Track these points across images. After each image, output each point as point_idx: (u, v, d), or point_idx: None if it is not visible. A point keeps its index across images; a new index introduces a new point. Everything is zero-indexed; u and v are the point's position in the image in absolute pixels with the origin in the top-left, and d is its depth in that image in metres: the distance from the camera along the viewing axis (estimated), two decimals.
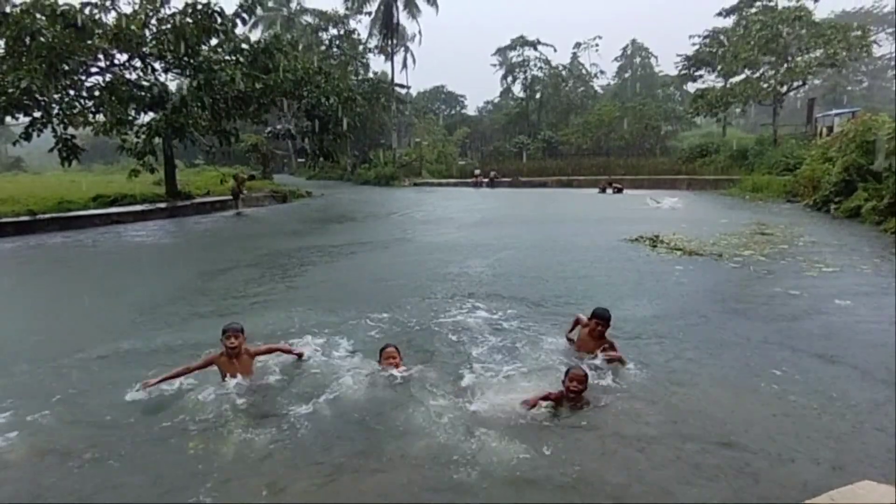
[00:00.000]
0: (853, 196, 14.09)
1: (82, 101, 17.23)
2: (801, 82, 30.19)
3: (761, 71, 29.79)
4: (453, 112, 57.48)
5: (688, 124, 46.47)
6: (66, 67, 16.26)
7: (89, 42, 16.37)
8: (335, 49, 39.39)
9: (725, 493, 2.91)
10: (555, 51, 50.38)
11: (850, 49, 26.72)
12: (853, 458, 3.22)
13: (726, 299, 6.78)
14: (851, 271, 8.10)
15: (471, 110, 59.38)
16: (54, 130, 16.33)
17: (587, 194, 25.55)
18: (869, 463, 3.14)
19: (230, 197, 20.01)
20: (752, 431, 3.50)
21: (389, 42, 40.50)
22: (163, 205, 18.70)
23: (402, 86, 45.45)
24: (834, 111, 27.96)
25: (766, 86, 29.44)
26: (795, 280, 7.58)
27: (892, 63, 49.74)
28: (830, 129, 24.34)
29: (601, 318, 4.53)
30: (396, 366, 4.34)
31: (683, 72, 40.61)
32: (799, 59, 28.56)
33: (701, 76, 39.04)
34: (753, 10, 29.65)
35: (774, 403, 3.90)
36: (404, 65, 44.91)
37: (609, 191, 25.59)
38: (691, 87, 39.40)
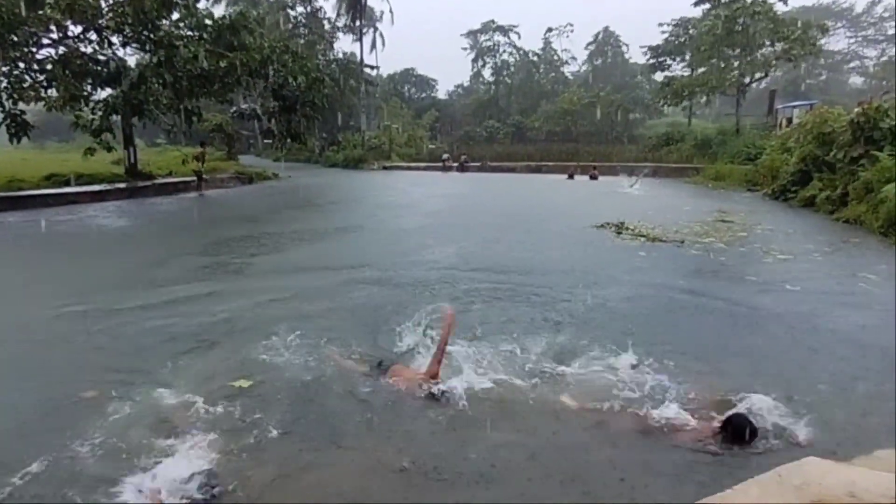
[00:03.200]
0: (809, 186, 14.60)
1: (33, 74, 16.37)
2: (763, 74, 30.99)
3: (725, 62, 30.44)
4: (424, 95, 57.00)
5: (655, 113, 47.26)
6: (15, 38, 15.40)
7: (40, 12, 15.52)
8: (302, 28, 38.46)
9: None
10: (519, 37, 50.38)
11: (803, 46, 27.56)
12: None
13: (685, 285, 6.96)
14: (804, 258, 8.43)
15: (441, 94, 59.05)
16: (2, 105, 15.50)
17: (556, 180, 25.79)
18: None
19: (193, 178, 19.46)
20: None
21: (358, 21, 39.75)
22: (122, 185, 18.05)
23: (371, 67, 44.77)
24: (793, 103, 28.82)
25: (730, 76, 30.11)
26: (752, 266, 7.86)
27: (848, 57, 51.57)
28: (790, 120, 25.08)
29: None
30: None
31: (651, 61, 41.18)
32: (759, 52, 29.28)
33: (669, 66, 39.68)
34: (723, 1, 30.18)
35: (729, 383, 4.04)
36: (373, 46, 44.23)
37: (585, 177, 25.87)
38: (660, 77, 39.96)
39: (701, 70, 32.66)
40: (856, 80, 51.70)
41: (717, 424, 3.20)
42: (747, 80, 30.41)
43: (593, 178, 25.66)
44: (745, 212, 13.64)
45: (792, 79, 45.95)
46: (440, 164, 33.53)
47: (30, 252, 9.59)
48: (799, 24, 28.12)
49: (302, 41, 33.35)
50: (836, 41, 48.09)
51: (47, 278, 7.46)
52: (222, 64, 17.50)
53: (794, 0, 30.34)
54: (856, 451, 2.90)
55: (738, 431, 3.05)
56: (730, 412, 3.24)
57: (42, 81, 16.31)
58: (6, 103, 15.51)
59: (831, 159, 13.92)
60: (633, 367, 4.14)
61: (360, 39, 40.67)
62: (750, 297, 6.26)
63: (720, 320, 5.55)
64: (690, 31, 35.02)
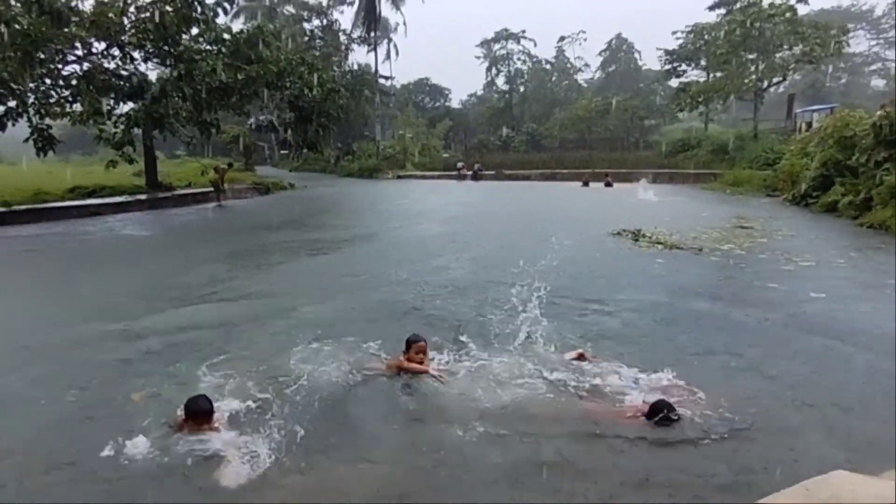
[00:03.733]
0: (830, 191, 14.37)
1: (59, 90, 16.85)
2: (781, 78, 30.61)
3: (742, 67, 30.14)
4: (437, 104, 57.25)
5: (670, 119, 46.89)
6: (42, 56, 15.88)
7: (66, 30, 15.99)
8: (318, 40, 39.01)
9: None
10: (535, 45, 50.48)
11: (824, 46, 27.17)
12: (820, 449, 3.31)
13: (704, 292, 6.88)
14: (827, 265, 8.28)
15: (455, 103, 59.22)
16: (30, 120, 15.96)
17: (571, 188, 25.69)
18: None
19: (211, 189, 19.77)
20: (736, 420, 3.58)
21: (373, 33, 40.18)
22: (143, 196, 18.43)
23: (385, 77, 45.17)
24: (813, 107, 28.40)
25: (746, 81, 29.80)
26: (773, 273, 7.73)
27: (869, 60, 50.76)
28: (809, 124, 24.71)
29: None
30: (422, 361, 4.23)
31: (667, 66, 40.90)
32: (778, 55, 28.95)
33: (684, 71, 39.37)
34: (739, 6, 29.96)
35: (754, 394, 3.98)
36: (388, 56, 44.65)
37: (600, 184, 25.68)
38: (675, 83, 39.65)
39: (717, 75, 32.35)
40: (877, 83, 50.81)
41: (643, 408, 3.67)
42: (765, 84, 30.08)
43: (608, 185, 25.48)
44: (765, 218, 13.45)
45: (811, 82, 45.27)
46: (455, 173, 33.60)
47: (59, 264, 9.83)
48: (818, 26, 27.78)
49: (318, 53, 33.75)
50: (857, 43, 47.30)
51: (79, 289, 7.63)
52: (240, 77, 17.83)
53: (814, 2, 29.98)
54: (883, 465, 2.84)
55: (658, 414, 3.57)
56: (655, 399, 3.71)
57: (67, 97, 16.79)
58: (34, 118, 15.96)
59: (853, 163, 13.69)
60: (636, 380, 4.14)
61: (375, 50, 41.14)
62: (771, 306, 6.17)
63: (738, 329, 5.47)
64: (706, 37, 34.76)
